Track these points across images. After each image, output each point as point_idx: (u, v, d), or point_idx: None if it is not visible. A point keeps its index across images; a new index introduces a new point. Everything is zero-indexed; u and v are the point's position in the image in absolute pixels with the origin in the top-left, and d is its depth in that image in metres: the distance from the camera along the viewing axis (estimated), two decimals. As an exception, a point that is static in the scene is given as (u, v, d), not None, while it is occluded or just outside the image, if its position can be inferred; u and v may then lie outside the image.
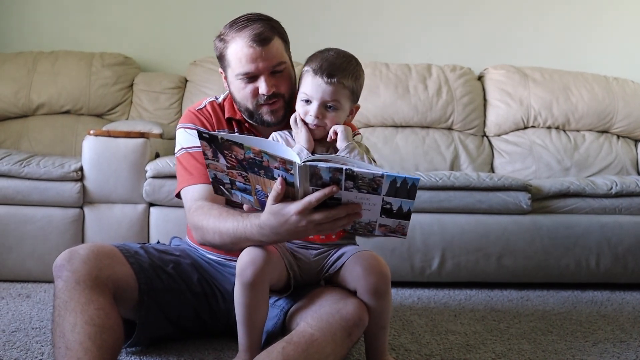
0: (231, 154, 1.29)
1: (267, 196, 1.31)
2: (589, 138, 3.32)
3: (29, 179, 2.47)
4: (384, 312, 1.45)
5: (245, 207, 1.41)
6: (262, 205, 1.35)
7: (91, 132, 2.51)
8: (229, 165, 1.32)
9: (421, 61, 3.46)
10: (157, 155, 2.61)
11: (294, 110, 1.48)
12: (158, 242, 1.82)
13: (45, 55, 3.30)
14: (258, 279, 1.37)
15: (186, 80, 3.36)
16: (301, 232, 1.31)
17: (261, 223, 1.34)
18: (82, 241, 2.50)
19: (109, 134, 2.50)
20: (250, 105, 1.58)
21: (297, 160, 1.22)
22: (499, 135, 3.34)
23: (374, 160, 1.48)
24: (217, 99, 1.72)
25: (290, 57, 1.62)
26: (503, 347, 1.81)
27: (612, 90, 3.36)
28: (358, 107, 1.51)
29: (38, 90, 3.19)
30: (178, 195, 1.67)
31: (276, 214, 1.29)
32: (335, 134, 1.42)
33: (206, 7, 3.53)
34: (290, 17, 3.46)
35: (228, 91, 1.66)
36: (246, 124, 1.66)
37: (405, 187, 1.21)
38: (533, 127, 3.34)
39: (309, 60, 1.46)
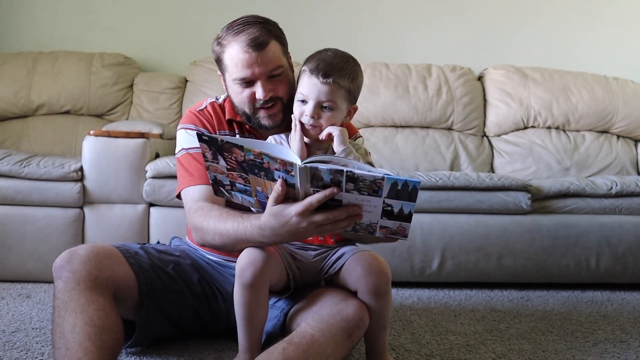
0: (231, 156, 1.29)
1: (268, 197, 1.31)
2: (589, 138, 3.32)
3: (29, 179, 2.47)
4: (384, 312, 1.45)
5: (254, 209, 1.41)
6: (263, 206, 1.35)
7: (91, 132, 2.51)
8: (229, 167, 1.32)
9: (421, 61, 3.46)
10: (157, 156, 2.60)
11: (292, 113, 1.48)
12: (158, 243, 1.81)
13: (45, 55, 3.30)
14: (258, 279, 1.37)
15: (186, 81, 3.36)
16: (302, 233, 1.31)
17: (261, 224, 1.34)
18: (82, 241, 2.50)
19: (109, 134, 2.50)
20: (247, 109, 1.58)
21: (298, 162, 1.22)
22: (499, 136, 3.34)
23: (372, 165, 1.48)
24: (217, 99, 1.72)
25: (289, 59, 1.62)
26: (503, 347, 1.81)
27: (612, 90, 3.36)
28: (356, 108, 1.50)
29: (38, 90, 3.19)
30: (179, 196, 1.67)
31: (277, 215, 1.30)
32: (329, 135, 1.41)
33: (206, 7, 3.53)
34: (290, 17, 3.48)
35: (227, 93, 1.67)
36: (247, 126, 1.66)
37: (407, 190, 1.21)
38: (533, 127, 3.34)
39: (307, 61, 1.45)
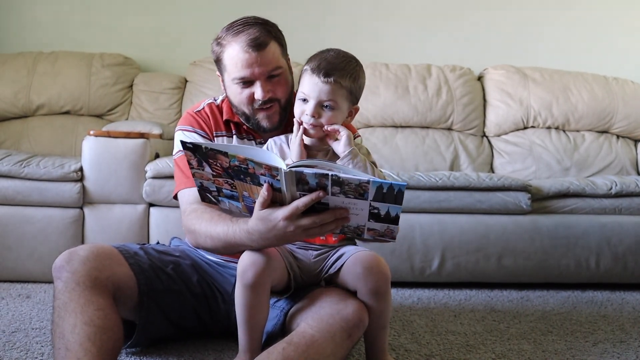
0: (216, 162, 1.29)
1: (255, 202, 1.32)
2: (589, 138, 3.32)
3: (29, 179, 2.47)
4: (384, 312, 1.45)
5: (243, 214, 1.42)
6: (250, 211, 1.36)
7: (91, 132, 2.51)
8: (214, 173, 1.32)
9: (421, 61, 3.46)
10: (157, 156, 2.61)
11: (291, 114, 1.48)
12: (158, 243, 1.82)
13: (45, 55, 3.30)
14: (259, 280, 1.37)
15: (186, 81, 3.36)
16: (289, 237, 1.32)
17: (249, 228, 1.35)
18: (82, 241, 2.50)
19: (108, 135, 2.50)
20: (246, 110, 1.58)
21: (283, 167, 1.23)
22: (498, 136, 3.34)
23: (375, 164, 1.48)
24: (215, 100, 1.72)
25: (287, 60, 1.62)
26: (503, 347, 1.81)
27: (611, 90, 3.36)
28: (357, 109, 1.50)
29: (38, 90, 3.19)
30: (176, 197, 1.68)
31: (264, 219, 1.31)
32: (336, 132, 1.40)
33: (206, 7, 3.53)
34: (291, 17, 3.48)
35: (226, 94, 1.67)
36: (244, 126, 1.66)
37: (392, 193, 1.21)
38: (533, 127, 3.34)
39: (309, 60, 1.45)
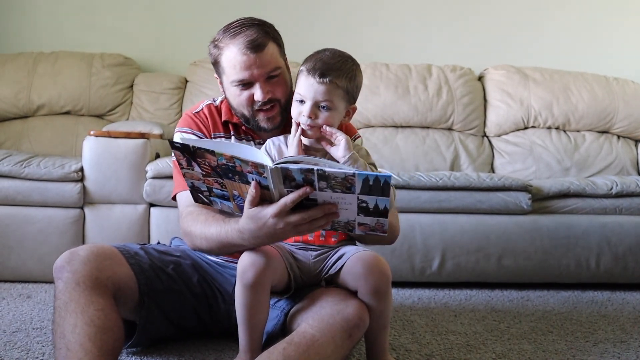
0: (204, 161, 1.29)
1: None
2: (589, 138, 3.32)
3: (29, 179, 2.47)
4: (385, 312, 1.45)
5: (235, 214, 1.42)
6: (242, 210, 1.36)
7: (91, 132, 2.52)
8: (204, 172, 1.33)
9: (421, 61, 3.46)
10: (158, 156, 2.61)
11: (290, 115, 1.48)
12: (158, 243, 1.82)
13: (45, 56, 3.30)
14: (259, 280, 1.37)
15: (186, 81, 3.36)
16: (279, 234, 1.32)
17: (240, 227, 1.36)
18: (83, 241, 2.50)
19: (109, 135, 2.50)
20: (246, 111, 1.58)
21: (269, 163, 1.23)
22: (499, 136, 3.34)
23: (374, 166, 1.48)
24: (214, 101, 1.72)
25: (285, 60, 1.62)
26: (503, 347, 1.81)
27: (612, 90, 3.36)
28: (355, 109, 1.49)
29: (38, 91, 3.20)
30: (174, 198, 1.68)
31: (253, 217, 1.31)
32: (333, 136, 1.40)
33: (206, 7, 3.53)
34: (290, 17, 3.49)
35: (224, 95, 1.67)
36: (243, 127, 1.66)
37: (379, 185, 1.21)
38: (533, 127, 3.34)
39: (305, 61, 1.45)
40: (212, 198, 1.40)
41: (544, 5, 3.64)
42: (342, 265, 1.47)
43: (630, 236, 2.60)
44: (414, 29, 3.63)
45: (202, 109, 1.69)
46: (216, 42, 1.57)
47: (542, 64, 3.50)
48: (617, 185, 2.64)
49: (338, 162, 1.38)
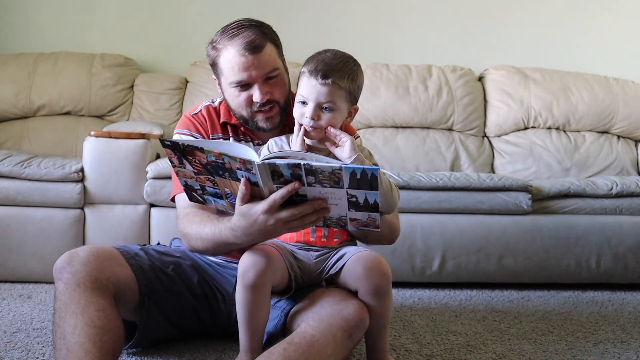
0: (195, 158, 1.29)
1: None
2: (589, 138, 3.32)
3: (29, 180, 2.47)
4: (385, 312, 1.45)
5: (230, 212, 1.42)
6: (235, 208, 1.36)
7: (92, 133, 2.52)
8: (195, 170, 1.33)
9: (421, 62, 3.46)
10: (158, 156, 2.61)
11: (290, 115, 1.48)
12: (158, 244, 1.82)
13: (45, 56, 3.30)
14: (260, 281, 1.38)
15: (187, 81, 3.36)
16: (271, 231, 1.33)
17: (232, 225, 1.36)
18: (83, 242, 2.50)
19: (109, 135, 2.50)
20: (245, 113, 1.58)
21: (256, 159, 1.23)
22: (499, 136, 3.34)
23: (377, 165, 1.48)
24: (213, 102, 1.72)
25: (283, 61, 1.62)
26: (504, 347, 1.81)
27: (612, 90, 3.36)
28: (357, 109, 1.49)
29: (39, 91, 3.20)
30: (173, 199, 1.69)
31: (244, 214, 1.32)
32: (336, 137, 1.40)
33: (207, 8, 3.53)
34: (290, 18, 3.49)
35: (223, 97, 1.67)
36: (242, 128, 1.66)
37: (366, 178, 1.21)
38: (533, 127, 3.34)
39: (306, 62, 1.45)
40: (205, 196, 1.40)
41: (544, 6, 3.64)
42: (343, 266, 1.47)
43: (630, 236, 2.60)
44: (414, 29, 3.63)
45: (200, 111, 1.69)
46: (214, 44, 1.57)
47: (542, 64, 3.50)
48: (617, 185, 2.64)
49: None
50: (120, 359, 1.57)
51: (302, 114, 1.41)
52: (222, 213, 1.49)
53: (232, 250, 1.47)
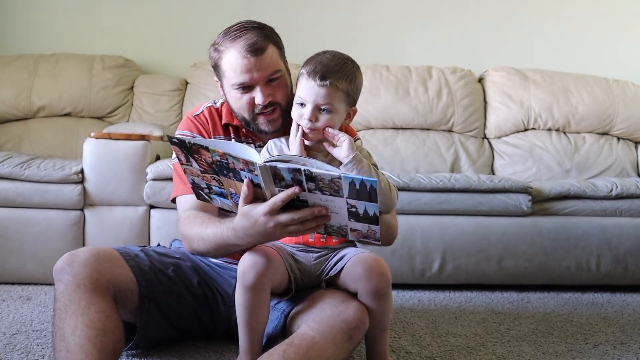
0: (200, 157, 1.30)
1: None
2: (590, 140, 3.32)
3: (29, 181, 2.47)
4: (385, 313, 1.45)
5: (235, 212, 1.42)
6: None
7: (92, 134, 2.52)
8: (201, 169, 1.34)
9: (421, 63, 3.46)
10: (158, 158, 2.61)
11: (291, 117, 1.48)
12: (158, 245, 1.82)
13: (46, 57, 3.30)
14: (259, 282, 1.38)
15: (187, 83, 3.36)
16: (270, 233, 1.33)
17: (234, 225, 1.37)
18: (83, 243, 2.50)
19: (109, 137, 2.51)
20: (247, 115, 1.58)
21: (258, 161, 1.24)
22: (499, 137, 3.34)
23: (376, 167, 1.48)
24: (215, 103, 1.72)
25: (285, 63, 1.62)
26: (503, 349, 1.81)
27: (612, 92, 3.36)
28: (355, 111, 1.49)
29: (39, 92, 3.20)
30: (173, 201, 1.69)
31: (246, 215, 1.32)
32: (335, 138, 1.40)
33: (207, 9, 3.53)
34: (290, 19, 3.49)
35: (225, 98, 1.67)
36: (243, 130, 1.67)
37: (365, 189, 1.21)
38: (533, 129, 3.34)
39: (305, 63, 1.45)
40: (212, 195, 1.41)
41: (544, 7, 3.64)
42: (342, 267, 1.47)
43: (630, 238, 2.60)
44: (414, 30, 3.63)
45: (202, 112, 1.69)
46: (216, 46, 1.57)
47: (542, 66, 3.51)
48: (617, 187, 2.64)
49: (341, 162, 1.38)
50: (120, 361, 1.57)
51: (300, 115, 1.42)
52: (223, 215, 1.49)
53: (234, 251, 1.47)
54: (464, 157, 3.23)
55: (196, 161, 1.32)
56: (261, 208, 1.30)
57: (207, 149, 1.27)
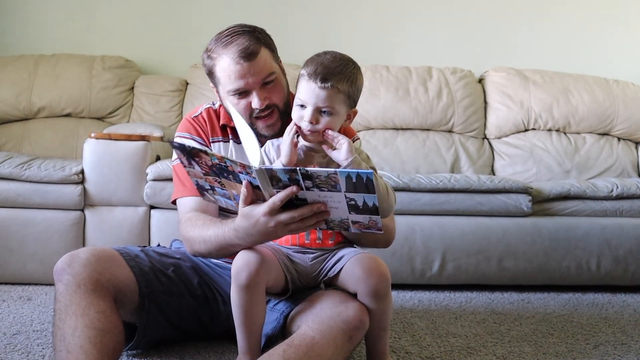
0: (201, 160, 1.32)
1: None
2: (590, 140, 3.32)
3: (30, 181, 2.48)
4: (385, 314, 1.45)
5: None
6: None
7: (92, 135, 2.52)
8: (203, 172, 1.35)
9: (421, 64, 3.46)
10: (158, 158, 2.61)
11: (290, 117, 1.48)
12: (159, 245, 1.82)
13: (46, 58, 3.30)
14: (253, 281, 1.38)
15: (187, 83, 3.36)
16: (271, 232, 1.34)
17: (235, 226, 1.38)
18: (83, 244, 2.50)
19: (109, 137, 2.51)
20: (246, 120, 1.58)
21: (254, 165, 1.26)
22: (499, 138, 3.34)
23: (374, 170, 1.47)
24: (214, 104, 1.73)
25: (280, 63, 1.63)
26: (504, 349, 1.81)
27: (612, 92, 3.36)
28: (356, 112, 1.49)
29: (39, 93, 3.20)
30: (174, 202, 1.69)
31: (247, 215, 1.33)
32: (334, 140, 1.40)
33: (207, 9, 3.53)
34: (290, 19, 3.49)
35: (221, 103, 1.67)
36: None
37: (362, 182, 1.22)
38: (534, 129, 3.34)
39: (305, 64, 1.44)
40: (216, 196, 1.43)
41: (544, 7, 3.64)
42: (341, 268, 1.47)
43: (630, 238, 2.59)
44: (414, 30, 3.63)
45: (200, 113, 1.70)
46: (209, 53, 1.58)
47: (542, 66, 3.50)
48: (617, 187, 2.64)
49: (340, 165, 1.38)
50: (120, 361, 1.57)
51: (300, 117, 1.41)
52: (224, 216, 1.50)
53: (235, 252, 1.47)
54: (464, 157, 3.23)
55: (198, 164, 1.34)
56: (261, 208, 1.30)
57: (205, 152, 1.29)
